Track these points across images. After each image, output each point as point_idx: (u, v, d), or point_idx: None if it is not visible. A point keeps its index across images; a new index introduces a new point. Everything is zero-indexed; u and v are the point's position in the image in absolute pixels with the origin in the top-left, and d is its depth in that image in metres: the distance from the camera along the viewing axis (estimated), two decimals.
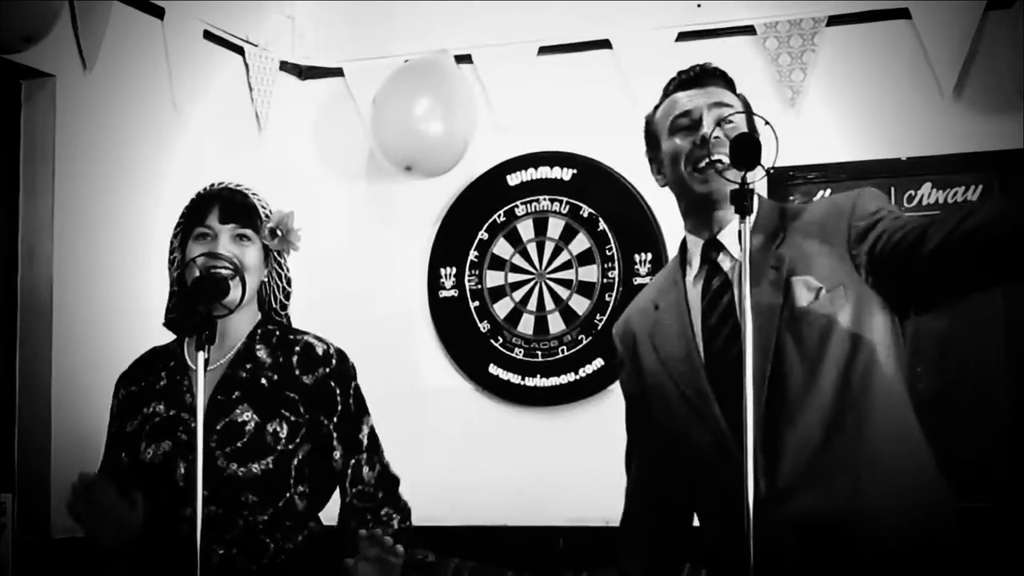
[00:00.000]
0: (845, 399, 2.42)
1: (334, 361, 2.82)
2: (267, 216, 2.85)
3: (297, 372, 2.79)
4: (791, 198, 4.04)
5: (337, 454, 2.80)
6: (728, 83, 2.65)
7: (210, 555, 2.64)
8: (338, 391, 2.81)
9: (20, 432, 3.57)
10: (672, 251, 4.20)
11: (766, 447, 2.41)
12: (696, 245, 2.62)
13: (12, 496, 3.41)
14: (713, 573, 2.65)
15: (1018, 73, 3.80)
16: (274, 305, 2.89)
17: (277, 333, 2.85)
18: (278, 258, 2.88)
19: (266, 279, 2.87)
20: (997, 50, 3.88)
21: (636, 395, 2.71)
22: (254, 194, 2.88)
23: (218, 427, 2.73)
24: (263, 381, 2.78)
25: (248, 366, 2.80)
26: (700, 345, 2.55)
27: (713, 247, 2.59)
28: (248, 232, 2.81)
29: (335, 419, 2.79)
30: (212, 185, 2.87)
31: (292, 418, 2.76)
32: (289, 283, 2.92)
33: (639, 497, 2.76)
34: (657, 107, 2.66)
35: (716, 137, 2.50)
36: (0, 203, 3.65)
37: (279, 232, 2.85)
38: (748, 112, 2.59)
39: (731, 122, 2.55)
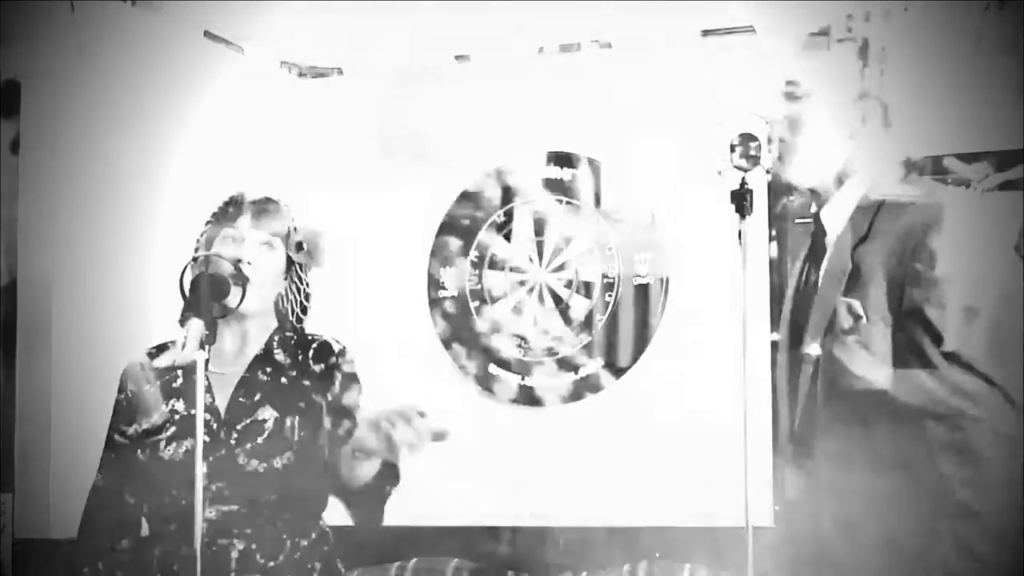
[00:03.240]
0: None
1: (347, 355, 2.87)
2: (295, 229, 2.88)
3: (311, 363, 2.84)
4: (790, 198, 4.03)
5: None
6: None
7: (228, 550, 2.66)
8: (339, 376, 2.85)
9: (20, 432, 3.57)
10: (671, 250, 4.22)
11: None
12: None
13: (12, 496, 3.41)
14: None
15: (1018, 73, 3.79)
16: (290, 319, 2.91)
17: (295, 339, 2.89)
18: (299, 271, 2.90)
19: (284, 291, 2.89)
20: (996, 50, 3.88)
21: None
22: (286, 206, 2.90)
23: (239, 427, 2.75)
24: (283, 380, 2.82)
25: (268, 369, 2.83)
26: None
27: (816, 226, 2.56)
28: (274, 241, 2.84)
29: (328, 396, 2.81)
30: (242, 193, 2.89)
31: (302, 405, 2.79)
32: (308, 298, 2.93)
33: None
34: None
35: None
36: None
37: (305, 246, 2.88)
38: None
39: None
